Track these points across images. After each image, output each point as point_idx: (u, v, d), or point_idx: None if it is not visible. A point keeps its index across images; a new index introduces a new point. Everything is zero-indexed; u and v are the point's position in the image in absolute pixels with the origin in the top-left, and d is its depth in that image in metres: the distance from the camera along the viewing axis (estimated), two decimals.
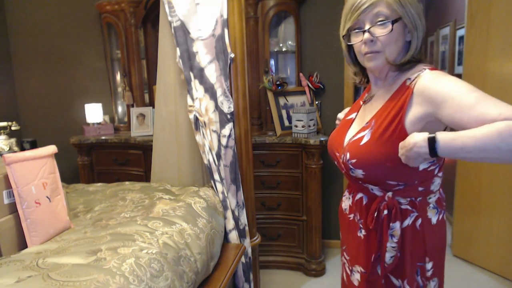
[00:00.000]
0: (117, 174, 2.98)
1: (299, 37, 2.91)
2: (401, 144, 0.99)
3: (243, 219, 1.92)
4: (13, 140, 2.25)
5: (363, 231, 1.16)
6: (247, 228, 1.93)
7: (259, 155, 2.71)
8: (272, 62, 2.95)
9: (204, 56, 1.80)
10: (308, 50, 2.99)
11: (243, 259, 1.88)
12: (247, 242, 1.92)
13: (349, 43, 1.12)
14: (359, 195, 1.17)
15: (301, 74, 2.94)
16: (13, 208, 1.35)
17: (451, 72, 3.59)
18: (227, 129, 1.83)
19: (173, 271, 1.30)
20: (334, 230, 3.22)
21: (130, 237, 1.34)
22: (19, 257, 1.24)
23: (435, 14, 4.45)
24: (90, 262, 1.17)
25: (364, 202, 1.15)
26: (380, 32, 1.03)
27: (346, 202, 1.25)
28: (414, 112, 1.01)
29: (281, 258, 2.88)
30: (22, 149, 2.37)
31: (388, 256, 1.09)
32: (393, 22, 1.02)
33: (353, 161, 1.08)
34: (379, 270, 1.12)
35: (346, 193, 1.27)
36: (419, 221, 1.08)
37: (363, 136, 1.08)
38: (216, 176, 1.84)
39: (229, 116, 1.82)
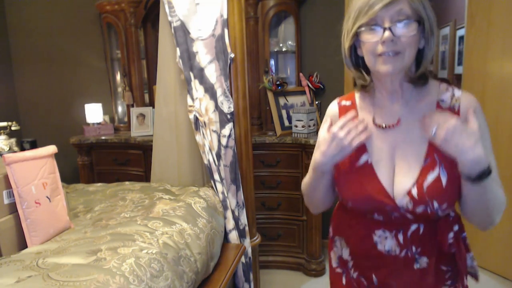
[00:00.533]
0: (117, 174, 2.98)
1: (299, 37, 2.91)
2: (463, 131, 0.84)
3: (243, 219, 1.92)
4: (13, 140, 2.25)
5: (422, 261, 1.01)
6: (247, 228, 1.93)
7: (259, 155, 2.71)
8: (272, 62, 2.95)
9: (204, 56, 1.80)
10: (308, 50, 2.99)
11: (243, 259, 1.88)
12: (247, 242, 1.92)
13: (364, 41, 0.94)
14: (413, 227, 1.00)
15: (301, 74, 2.94)
16: (13, 208, 1.35)
17: (451, 72, 3.59)
18: (227, 129, 1.83)
19: (173, 271, 1.30)
20: None
21: (130, 237, 1.34)
22: (19, 257, 1.24)
23: (435, 14, 4.45)
24: (90, 262, 1.17)
25: (422, 231, 1.00)
26: (403, 32, 0.89)
27: (386, 243, 1.02)
28: None
29: (281, 258, 2.88)
30: (22, 149, 2.37)
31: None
32: (418, 23, 0.90)
33: (444, 206, 0.95)
34: None
35: (377, 233, 1.03)
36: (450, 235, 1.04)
37: (438, 177, 0.94)
38: (216, 176, 1.84)
39: (229, 116, 1.82)
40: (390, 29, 0.89)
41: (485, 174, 0.87)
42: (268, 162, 2.74)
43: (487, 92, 2.68)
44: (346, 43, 1.00)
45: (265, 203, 2.79)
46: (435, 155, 0.95)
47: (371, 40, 0.92)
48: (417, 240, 1.00)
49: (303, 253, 2.83)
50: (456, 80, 3.44)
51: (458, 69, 3.35)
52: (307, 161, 2.64)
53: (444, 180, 0.93)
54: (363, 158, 1.01)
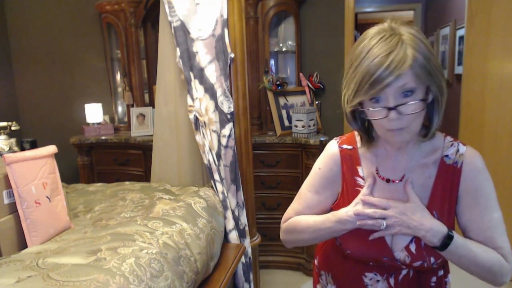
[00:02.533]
0: (117, 174, 2.98)
1: (299, 37, 2.91)
2: (407, 210, 0.93)
3: (243, 219, 1.92)
4: (13, 140, 2.25)
5: None
6: (247, 228, 1.93)
7: (259, 155, 2.71)
8: (272, 62, 2.95)
9: (204, 56, 1.80)
10: (308, 50, 2.99)
11: (243, 259, 1.88)
12: (247, 242, 1.92)
13: (369, 118, 0.93)
14: (403, 272, 1.01)
15: (301, 74, 2.94)
16: (13, 208, 1.35)
17: (451, 72, 3.59)
18: (227, 129, 1.83)
19: (173, 271, 1.30)
20: None
21: (130, 237, 1.34)
22: (19, 257, 1.24)
23: (435, 14, 4.45)
24: (90, 262, 1.17)
25: (411, 275, 1.01)
26: (409, 109, 0.86)
27: (377, 286, 1.02)
28: (463, 192, 0.98)
29: (281, 258, 2.88)
30: (22, 149, 2.37)
31: None
32: (423, 100, 0.87)
33: (439, 261, 0.97)
34: None
35: (368, 275, 1.03)
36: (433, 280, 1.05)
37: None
38: (216, 176, 1.84)
39: (229, 116, 1.82)
40: (395, 109, 0.86)
41: (448, 240, 0.91)
42: (268, 162, 2.74)
43: (487, 92, 2.68)
44: (347, 109, 0.95)
45: (265, 203, 2.79)
46: (435, 212, 0.96)
47: (376, 117, 0.89)
48: (407, 283, 1.01)
49: (303, 253, 2.83)
50: (456, 80, 3.44)
51: (458, 69, 3.35)
52: (307, 161, 2.64)
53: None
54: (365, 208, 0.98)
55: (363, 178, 1.03)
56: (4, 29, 3.37)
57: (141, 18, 2.95)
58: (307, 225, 1.09)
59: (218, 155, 1.85)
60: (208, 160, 1.84)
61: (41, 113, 3.49)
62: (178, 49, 1.83)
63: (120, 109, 3.28)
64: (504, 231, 0.98)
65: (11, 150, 2.18)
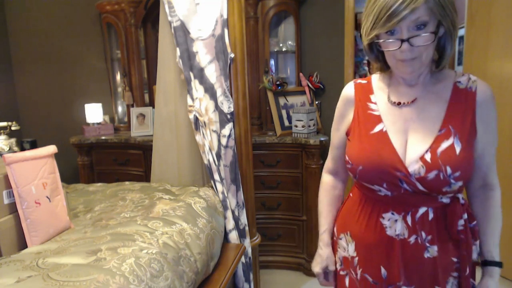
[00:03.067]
0: (117, 174, 2.98)
1: (299, 37, 2.91)
2: None
3: (243, 219, 1.92)
4: (13, 140, 2.25)
5: (432, 250, 1.01)
6: (247, 228, 1.93)
7: (259, 155, 2.71)
8: (272, 62, 2.95)
9: (204, 56, 1.80)
10: (308, 50, 2.99)
11: (243, 259, 1.88)
12: (247, 242, 1.92)
13: (383, 49, 1.00)
14: (421, 211, 1.01)
15: (301, 74, 2.94)
16: (13, 208, 1.35)
17: None
18: (227, 129, 1.83)
19: (173, 271, 1.30)
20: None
21: (130, 237, 1.34)
22: (19, 257, 1.24)
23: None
24: (90, 262, 1.17)
25: (431, 217, 1.01)
26: (420, 41, 0.93)
27: (396, 227, 1.03)
28: (478, 117, 1.04)
29: (281, 258, 2.88)
30: (22, 149, 2.37)
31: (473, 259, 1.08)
32: (435, 34, 0.93)
33: (457, 174, 0.96)
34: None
35: (385, 216, 1.04)
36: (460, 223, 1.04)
37: (452, 144, 0.97)
38: (216, 176, 1.84)
39: (229, 116, 1.82)
40: (408, 40, 0.92)
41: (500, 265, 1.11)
42: (268, 162, 2.74)
43: None
44: (364, 41, 1.03)
45: (265, 203, 2.79)
46: (450, 126, 0.99)
47: (390, 48, 0.96)
48: (426, 225, 1.01)
49: (303, 253, 2.83)
50: None
51: (458, 69, 3.35)
52: (307, 161, 2.64)
53: (458, 149, 0.97)
54: (379, 127, 1.05)
55: (375, 103, 1.09)
56: (4, 29, 3.37)
57: (141, 18, 2.95)
58: (319, 211, 1.27)
59: (218, 155, 1.85)
60: (208, 160, 1.84)
61: (41, 113, 3.49)
62: (178, 49, 1.83)
63: (120, 109, 3.28)
64: (494, 160, 1.12)
65: (11, 150, 2.18)
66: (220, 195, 1.85)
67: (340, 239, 1.19)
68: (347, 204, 1.20)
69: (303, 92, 2.95)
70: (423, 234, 1.01)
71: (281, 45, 2.96)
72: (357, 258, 1.12)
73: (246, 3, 2.59)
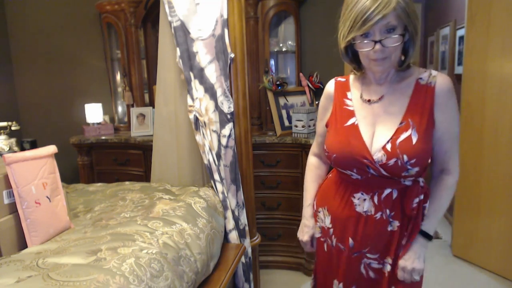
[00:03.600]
0: (117, 174, 2.98)
1: (299, 37, 2.91)
2: (406, 269, 1.22)
3: (243, 219, 1.92)
4: (13, 140, 2.25)
5: (394, 224, 1.22)
6: (247, 228, 1.93)
7: (259, 155, 2.71)
8: (272, 62, 2.95)
9: (204, 56, 1.80)
10: (308, 50, 2.99)
11: (243, 259, 1.88)
12: (247, 242, 1.92)
13: (358, 49, 1.15)
14: (386, 192, 1.21)
15: (301, 74, 2.94)
16: (13, 208, 1.35)
17: (451, 72, 3.59)
18: (227, 129, 1.83)
19: (173, 271, 1.30)
20: None
21: (130, 237, 1.34)
22: (19, 257, 1.24)
23: (435, 14, 4.45)
24: (90, 262, 1.17)
25: (395, 196, 1.20)
26: (390, 42, 1.09)
27: (364, 205, 1.22)
28: (437, 110, 1.17)
29: (281, 258, 2.88)
30: (22, 149, 2.37)
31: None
32: (402, 35, 1.10)
33: (412, 161, 1.13)
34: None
35: (356, 195, 1.24)
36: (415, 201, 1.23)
37: (410, 136, 1.14)
38: (216, 176, 1.84)
39: (229, 116, 1.82)
40: (380, 42, 1.09)
41: (429, 238, 1.24)
42: (268, 162, 2.74)
43: (487, 92, 2.68)
44: (341, 44, 1.19)
45: (265, 203, 2.79)
46: (410, 120, 1.16)
47: (365, 49, 1.12)
48: (390, 203, 1.21)
49: (303, 253, 2.83)
50: (456, 80, 3.44)
51: (458, 69, 3.34)
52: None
53: (414, 139, 1.14)
54: (351, 120, 1.24)
55: (350, 100, 1.28)
56: (4, 29, 3.37)
57: (141, 18, 2.95)
58: (305, 187, 1.47)
59: (218, 155, 1.85)
60: (208, 160, 1.84)
61: (41, 113, 3.49)
62: (178, 49, 1.83)
63: (120, 109, 3.28)
64: (457, 148, 1.23)
65: (11, 150, 2.19)
66: (220, 195, 1.85)
67: (319, 212, 1.38)
68: (326, 182, 1.39)
69: (303, 92, 2.95)
70: (388, 211, 1.21)
71: (281, 45, 2.96)
72: (332, 230, 1.33)
73: (246, 3, 2.59)
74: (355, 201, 1.25)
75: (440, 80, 1.17)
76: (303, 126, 2.66)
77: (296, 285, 2.69)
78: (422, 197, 1.21)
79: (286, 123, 2.81)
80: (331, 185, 1.35)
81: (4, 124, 2.26)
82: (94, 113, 3.08)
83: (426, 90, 1.17)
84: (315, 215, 1.42)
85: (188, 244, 1.46)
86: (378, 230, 1.22)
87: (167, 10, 1.82)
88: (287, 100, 2.86)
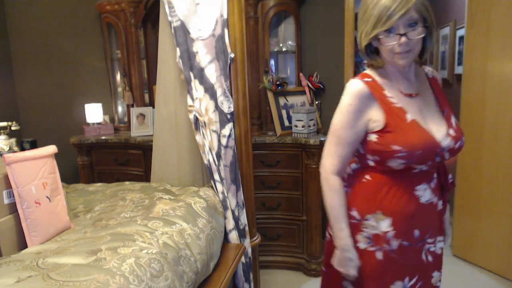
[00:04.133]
0: (117, 174, 2.98)
1: (299, 37, 2.91)
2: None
3: (243, 219, 1.92)
4: (13, 140, 2.25)
5: (439, 203, 1.33)
6: (247, 228, 1.93)
7: (259, 155, 2.71)
8: (272, 62, 2.95)
9: (204, 56, 1.80)
10: (308, 50, 2.99)
11: (243, 259, 1.88)
12: (247, 242, 1.92)
13: (384, 44, 1.19)
14: (434, 176, 1.30)
15: (301, 74, 2.94)
16: (13, 208, 1.35)
17: (451, 72, 3.59)
18: (227, 129, 1.83)
19: (173, 271, 1.30)
20: None
21: (130, 237, 1.34)
22: (19, 257, 1.24)
23: (435, 14, 4.44)
24: (90, 262, 1.17)
25: (436, 179, 1.31)
26: (415, 34, 1.16)
27: (426, 194, 1.27)
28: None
29: (281, 258, 2.88)
30: (22, 149, 2.37)
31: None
32: (426, 27, 1.18)
33: (464, 140, 1.29)
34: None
35: (419, 188, 1.26)
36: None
37: (456, 121, 1.30)
38: (216, 176, 1.84)
39: (229, 116, 1.82)
40: (405, 35, 1.15)
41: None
42: (268, 162, 2.74)
43: (487, 92, 2.68)
44: (363, 42, 1.23)
45: (265, 203, 2.79)
46: (445, 107, 1.30)
47: (390, 43, 1.17)
48: (438, 186, 1.31)
49: (303, 253, 2.83)
50: (456, 80, 3.44)
51: (458, 69, 3.35)
52: (307, 161, 2.64)
53: (457, 122, 1.29)
54: (408, 116, 1.23)
55: (392, 97, 1.25)
56: (4, 29, 3.37)
57: (141, 18, 2.95)
58: (333, 215, 1.32)
59: (218, 155, 1.85)
60: (208, 160, 1.84)
61: (41, 113, 3.49)
62: (178, 49, 1.83)
63: (120, 109, 3.28)
64: None
65: (11, 150, 2.19)
66: (220, 195, 1.85)
67: (367, 220, 1.28)
68: (366, 188, 1.29)
69: (303, 92, 2.95)
70: (438, 194, 1.31)
71: (281, 45, 2.96)
72: (391, 232, 1.26)
73: (246, 3, 2.59)
74: (419, 193, 1.26)
75: (434, 71, 1.39)
76: (303, 126, 2.66)
77: (296, 285, 2.69)
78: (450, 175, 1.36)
79: (286, 123, 2.81)
80: (379, 187, 1.27)
81: (4, 124, 2.26)
82: (94, 113, 3.08)
83: (435, 81, 1.35)
84: (358, 225, 1.30)
85: (188, 244, 1.46)
86: (435, 213, 1.30)
87: (167, 10, 1.82)
88: (287, 100, 2.86)
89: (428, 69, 1.38)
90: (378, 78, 1.27)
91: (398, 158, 1.20)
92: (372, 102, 1.24)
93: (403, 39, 1.15)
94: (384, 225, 1.26)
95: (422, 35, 1.16)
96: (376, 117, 1.23)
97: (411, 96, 1.26)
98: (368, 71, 1.30)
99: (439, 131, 1.24)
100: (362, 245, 1.29)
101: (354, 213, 1.30)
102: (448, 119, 1.27)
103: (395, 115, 1.22)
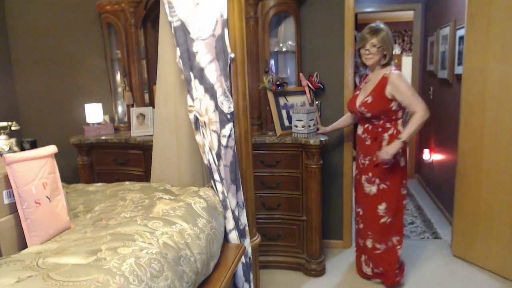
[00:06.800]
0: (117, 174, 2.98)
1: (299, 37, 2.91)
2: (388, 151, 2.39)
3: (243, 219, 1.92)
4: (13, 140, 2.25)
5: (368, 141, 2.53)
6: (247, 228, 1.93)
7: (259, 155, 2.71)
8: (272, 62, 2.95)
9: (204, 56, 1.80)
10: (308, 50, 2.99)
11: (243, 259, 1.88)
12: (247, 242, 1.92)
13: (362, 55, 2.50)
14: (366, 125, 2.54)
15: (301, 74, 2.94)
16: (13, 208, 1.35)
17: (451, 72, 3.59)
18: (227, 129, 1.83)
19: (173, 271, 1.30)
20: (334, 230, 3.22)
21: (130, 237, 1.34)
22: (19, 257, 1.24)
23: (435, 14, 4.45)
24: (90, 262, 1.17)
25: (370, 128, 2.52)
26: (373, 50, 2.42)
27: (360, 130, 2.59)
28: (387, 90, 2.41)
29: (281, 258, 2.88)
30: (22, 149, 2.37)
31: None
32: (379, 48, 2.42)
33: (366, 110, 2.45)
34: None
35: (358, 126, 2.60)
36: (385, 135, 2.49)
37: (367, 100, 2.45)
38: (216, 176, 1.84)
39: (229, 116, 1.82)
40: (368, 50, 2.43)
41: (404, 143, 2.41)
42: (268, 162, 2.74)
43: (487, 92, 2.68)
44: (356, 50, 2.56)
45: (265, 203, 2.79)
46: (373, 92, 2.43)
47: (362, 52, 2.48)
48: (368, 131, 2.54)
49: (303, 253, 2.83)
50: (456, 80, 3.44)
51: (458, 69, 3.34)
52: (307, 161, 2.65)
53: (369, 101, 2.44)
54: (357, 93, 2.61)
55: (364, 83, 2.63)
56: (4, 29, 3.37)
57: (141, 18, 2.95)
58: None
59: (218, 155, 1.85)
60: (208, 160, 1.84)
61: (41, 113, 3.49)
62: (178, 49, 1.82)
63: (120, 109, 3.28)
64: (417, 100, 2.37)
65: (11, 150, 2.18)
66: (220, 195, 1.85)
67: (358, 151, 2.67)
68: (358, 137, 2.70)
69: (303, 92, 2.95)
70: (367, 135, 2.56)
71: (281, 45, 2.96)
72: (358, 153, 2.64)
73: (246, 3, 2.59)
74: (358, 128, 2.64)
75: (391, 77, 2.41)
76: (303, 126, 2.66)
77: (296, 285, 2.69)
78: (380, 129, 2.49)
79: (286, 123, 2.81)
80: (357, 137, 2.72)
81: (4, 124, 2.25)
82: (94, 113, 3.08)
83: (384, 80, 2.42)
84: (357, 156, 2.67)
85: (188, 244, 1.46)
86: (365, 143, 2.62)
87: (167, 10, 1.82)
88: (287, 100, 2.86)
89: (387, 73, 2.43)
90: (369, 73, 2.65)
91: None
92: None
93: (367, 51, 2.43)
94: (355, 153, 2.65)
95: (378, 49, 2.41)
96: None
97: (366, 84, 2.56)
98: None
99: (358, 101, 2.52)
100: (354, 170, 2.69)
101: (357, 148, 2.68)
102: (366, 97, 2.45)
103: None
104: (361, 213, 2.64)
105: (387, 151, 2.35)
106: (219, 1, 1.76)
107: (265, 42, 2.77)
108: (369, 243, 2.60)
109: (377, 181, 2.49)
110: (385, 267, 2.59)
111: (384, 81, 2.37)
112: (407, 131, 2.34)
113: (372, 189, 2.52)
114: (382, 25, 2.42)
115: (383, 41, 2.35)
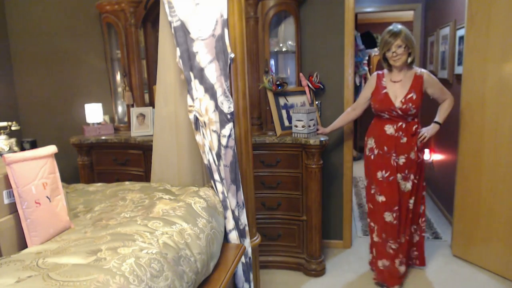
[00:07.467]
0: (117, 174, 2.98)
1: (299, 37, 2.91)
2: (430, 132, 2.64)
3: (243, 219, 1.92)
4: (13, 140, 2.25)
5: (404, 139, 2.57)
6: (247, 228, 1.93)
7: (259, 155, 2.71)
8: (272, 62, 2.95)
9: (204, 56, 1.80)
10: (308, 50, 2.99)
11: (243, 259, 1.88)
12: (247, 242, 1.92)
13: (387, 57, 2.56)
14: (399, 124, 2.57)
15: (301, 74, 2.94)
16: (13, 208, 1.35)
17: (451, 72, 3.59)
18: (227, 129, 1.83)
19: (173, 271, 1.30)
20: (334, 230, 3.22)
21: (130, 237, 1.34)
22: (19, 257, 1.24)
23: (435, 14, 4.45)
24: (90, 262, 1.17)
25: (404, 126, 2.57)
26: (400, 51, 2.49)
27: (390, 129, 2.58)
28: (424, 86, 2.58)
29: (281, 258, 2.88)
30: (22, 149, 2.37)
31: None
32: (405, 48, 2.49)
33: (414, 106, 2.51)
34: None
35: (387, 126, 2.59)
36: (423, 129, 2.65)
37: (412, 96, 2.52)
38: (216, 176, 1.84)
39: (229, 116, 1.82)
40: (395, 52, 2.50)
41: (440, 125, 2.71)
42: (268, 162, 2.74)
43: (487, 92, 2.68)
44: (380, 55, 2.60)
45: (265, 203, 2.79)
46: (413, 89, 2.53)
47: (389, 55, 2.53)
48: (401, 128, 2.57)
49: (303, 253, 2.83)
50: (456, 80, 3.44)
51: (458, 69, 3.34)
52: (307, 161, 2.65)
53: (414, 97, 2.52)
54: (384, 91, 2.59)
55: (384, 82, 2.60)
56: (4, 29, 3.37)
57: (141, 18, 2.95)
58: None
59: (218, 155, 1.85)
60: (208, 160, 1.84)
61: (41, 113, 3.49)
62: (178, 49, 1.82)
63: (120, 109, 3.28)
64: (446, 91, 2.68)
65: (11, 150, 2.18)
66: (220, 195, 1.85)
67: (368, 140, 2.77)
68: (374, 123, 2.72)
69: (303, 92, 2.95)
70: (400, 132, 2.59)
71: (281, 45, 2.96)
72: (375, 145, 2.68)
73: (246, 3, 2.59)
74: (386, 127, 2.62)
75: (425, 75, 2.58)
76: (303, 126, 2.66)
77: (296, 285, 2.69)
78: (415, 126, 2.59)
79: (286, 123, 2.81)
80: (375, 123, 2.73)
81: (4, 124, 2.25)
82: (94, 113, 3.08)
83: (420, 78, 2.57)
84: (366, 142, 2.75)
85: (188, 244, 1.46)
86: (397, 140, 2.64)
87: (167, 10, 1.82)
88: (287, 100, 2.86)
89: (419, 71, 2.58)
90: (386, 73, 2.64)
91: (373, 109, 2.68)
92: (374, 82, 2.67)
93: (394, 53, 2.49)
94: (371, 143, 2.67)
95: (404, 50, 2.48)
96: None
97: (395, 82, 2.58)
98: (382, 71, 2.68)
99: (397, 99, 2.54)
100: (367, 152, 2.71)
101: (365, 137, 2.78)
102: (408, 94, 2.51)
103: (378, 94, 2.61)
104: (396, 213, 2.59)
105: (429, 133, 2.61)
106: (219, 1, 1.76)
107: (265, 42, 2.77)
108: (408, 237, 2.72)
109: (412, 177, 2.59)
110: (420, 249, 2.78)
111: (419, 79, 2.53)
112: (442, 116, 2.65)
113: (407, 185, 2.60)
114: (400, 26, 2.51)
115: (406, 40, 2.44)
